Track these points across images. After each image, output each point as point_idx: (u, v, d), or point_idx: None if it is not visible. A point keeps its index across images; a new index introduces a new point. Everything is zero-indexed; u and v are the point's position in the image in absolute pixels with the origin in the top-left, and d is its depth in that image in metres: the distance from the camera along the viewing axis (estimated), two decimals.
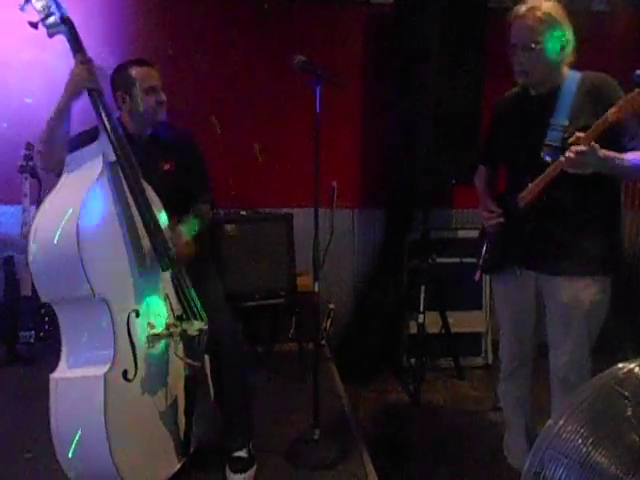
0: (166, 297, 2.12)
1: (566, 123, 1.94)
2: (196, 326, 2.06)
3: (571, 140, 1.84)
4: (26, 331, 3.19)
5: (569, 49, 1.98)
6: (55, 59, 3.34)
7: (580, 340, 2.04)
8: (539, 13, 1.92)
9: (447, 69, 3.13)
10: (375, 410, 3.06)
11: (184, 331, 2.03)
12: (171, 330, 2.05)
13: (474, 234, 2.43)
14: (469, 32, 3.16)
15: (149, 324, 2.01)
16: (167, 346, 2.08)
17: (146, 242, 2.01)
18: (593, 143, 1.80)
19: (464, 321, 3.49)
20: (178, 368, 2.11)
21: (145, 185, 2.03)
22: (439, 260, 3.36)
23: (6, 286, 3.23)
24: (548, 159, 1.95)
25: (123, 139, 1.96)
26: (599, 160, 1.81)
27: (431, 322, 3.30)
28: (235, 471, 2.19)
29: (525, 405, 2.31)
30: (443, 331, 3.41)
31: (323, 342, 3.49)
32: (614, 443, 1.08)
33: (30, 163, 3.18)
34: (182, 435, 2.11)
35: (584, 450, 1.08)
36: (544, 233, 2.04)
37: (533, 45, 1.93)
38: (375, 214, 3.81)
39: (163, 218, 2.12)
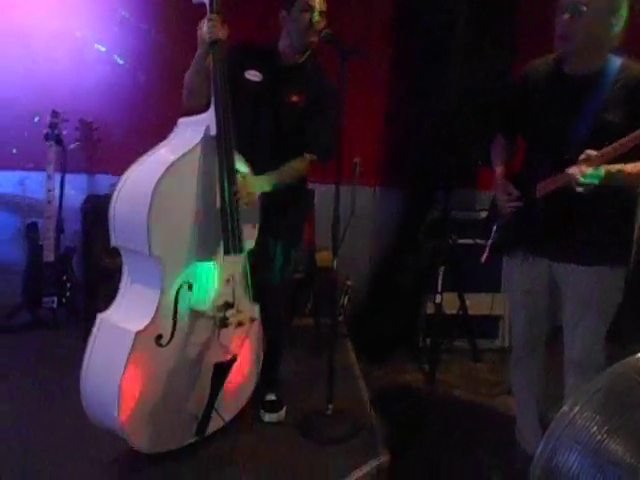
0: (230, 280, 2.13)
1: (592, 118, 1.86)
2: (239, 317, 2.10)
3: (581, 157, 1.78)
4: (48, 297, 3.25)
5: (618, 29, 1.82)
6: (80, 29, 3.36)
7: (595, 327, 2.02)
8: None
9: (476, 46, 3.07)
10: (389, 388, 3.08)
11: (225, 318, 2.07)
12: (215, 313, 2.08)
13: None
14: (498, 10, 3.09)
15: (199, 300, 2.04)
16: (212, 327, 2.10)
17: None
18: (602, 167, 1.76)
19: (482, 303, 3.46)
20: (216, 353, 2.13)
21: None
22: (460, 241, 3.33)
23: (29, 252, 3.28)
24: (567, 157, 1.87)
25: (228, 110, 2.00)
26: (604, 181, 1.78)
27: (449, 303, 3.29)
28: (268, 411, 2.46)
29: (537, 390, 2.29)
30: (460, 312, 3.39)
31: (340, 318, 3.50)
32: (630, 432, 1.07)
33: (55, 131, 3.21)
34: (200, 416, 2.13)
35: (598, 438, 1.07)
36: (559, 221, 1.99)
37: (582, 8, 1.77)
38: (397, 192, 3.78)
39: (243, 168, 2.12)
